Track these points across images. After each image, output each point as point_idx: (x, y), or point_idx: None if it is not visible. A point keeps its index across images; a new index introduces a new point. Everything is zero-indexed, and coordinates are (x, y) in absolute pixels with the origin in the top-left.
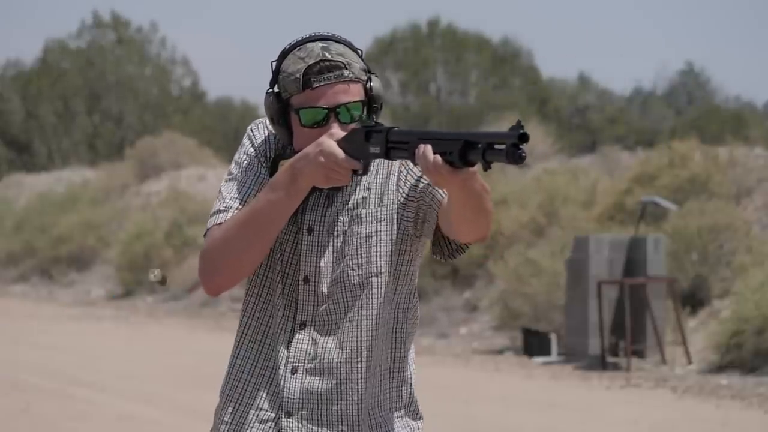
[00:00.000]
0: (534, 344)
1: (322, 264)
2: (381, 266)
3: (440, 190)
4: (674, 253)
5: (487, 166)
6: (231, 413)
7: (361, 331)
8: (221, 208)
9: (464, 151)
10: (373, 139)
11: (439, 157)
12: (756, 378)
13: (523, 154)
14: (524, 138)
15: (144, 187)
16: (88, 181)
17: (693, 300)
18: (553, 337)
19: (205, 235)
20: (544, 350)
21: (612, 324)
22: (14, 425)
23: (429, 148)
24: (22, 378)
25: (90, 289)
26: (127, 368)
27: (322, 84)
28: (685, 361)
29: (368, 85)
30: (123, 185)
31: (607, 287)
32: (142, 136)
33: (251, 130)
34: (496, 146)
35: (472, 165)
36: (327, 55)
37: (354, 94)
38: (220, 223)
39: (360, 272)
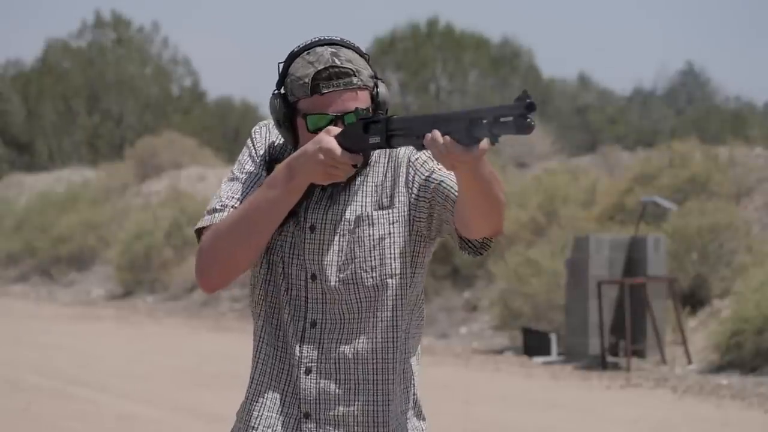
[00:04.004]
0: (534, 344)
1: (326, 262)
2: (395, 268)
3: (452, 190)
4: (674, 253)
5: (494, 140)
6: (254, 418)
7: (375, 331)
8: (217, 207)
9: (470, 128)
10: (372, 129)
11: (448, 138)
12: (756, 378)
13: (532, 123)
14: (531, 108)
15: (144, 187)
16: (89, 181)
17: (693, 300)
18: (553, 337)
19: (196, 231)
20: (544, 350)
21: (612, 324)
22: (14, 425)
23: (436, 132)
24: (22, 378)
25: (90, 289)
26: (127, 368)
27: (330, 90)
28: (685, 361)
29: (375, 92)
30: (123, 185)
31: (607, 287)
32: (142, 136)
33: (254, 132)
34: (503, 119)
35: (480, 141)
36: (336, 61)
37: (362, 101)
38: (213, 222)
39: (374, 274)
